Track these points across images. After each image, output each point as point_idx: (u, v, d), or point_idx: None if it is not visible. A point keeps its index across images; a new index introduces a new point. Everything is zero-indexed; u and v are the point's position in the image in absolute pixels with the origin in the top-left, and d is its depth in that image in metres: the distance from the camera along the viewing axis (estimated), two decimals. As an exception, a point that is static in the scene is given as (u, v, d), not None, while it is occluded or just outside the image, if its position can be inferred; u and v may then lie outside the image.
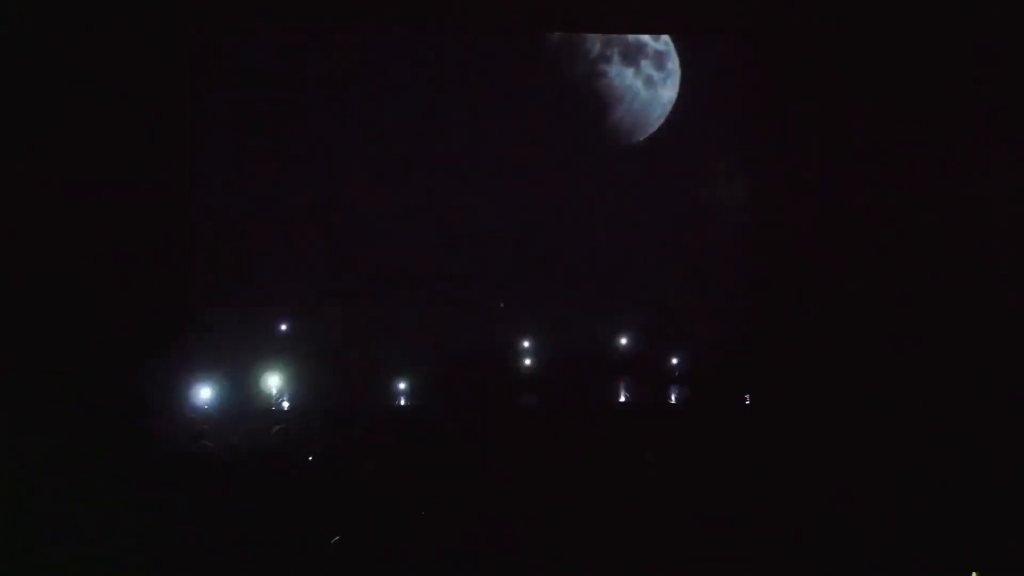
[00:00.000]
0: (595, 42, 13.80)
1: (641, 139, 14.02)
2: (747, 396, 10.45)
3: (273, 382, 11.77)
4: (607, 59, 13.86)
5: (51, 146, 11.02)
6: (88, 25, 11.05)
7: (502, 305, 13.35)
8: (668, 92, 13.91)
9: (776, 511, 5.61)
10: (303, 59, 13.00)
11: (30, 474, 5.78)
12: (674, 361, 12.96)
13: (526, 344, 12.80)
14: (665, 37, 13.85)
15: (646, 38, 13.87)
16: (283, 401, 11.50)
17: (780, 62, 12.61)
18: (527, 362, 12.64)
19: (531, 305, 13.12)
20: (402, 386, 11.97)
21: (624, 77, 13.87)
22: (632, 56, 13.91)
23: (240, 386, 11.67)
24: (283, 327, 12.95)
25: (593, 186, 13.91)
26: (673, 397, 11.96)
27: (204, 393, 11.40)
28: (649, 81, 13.90)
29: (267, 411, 11.04)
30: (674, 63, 13.88)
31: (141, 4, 11.49)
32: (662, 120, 13.96)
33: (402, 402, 11.76)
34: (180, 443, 7.12)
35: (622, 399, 11.87)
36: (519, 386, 12.33)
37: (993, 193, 11.25)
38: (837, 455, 6.95)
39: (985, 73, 11.14)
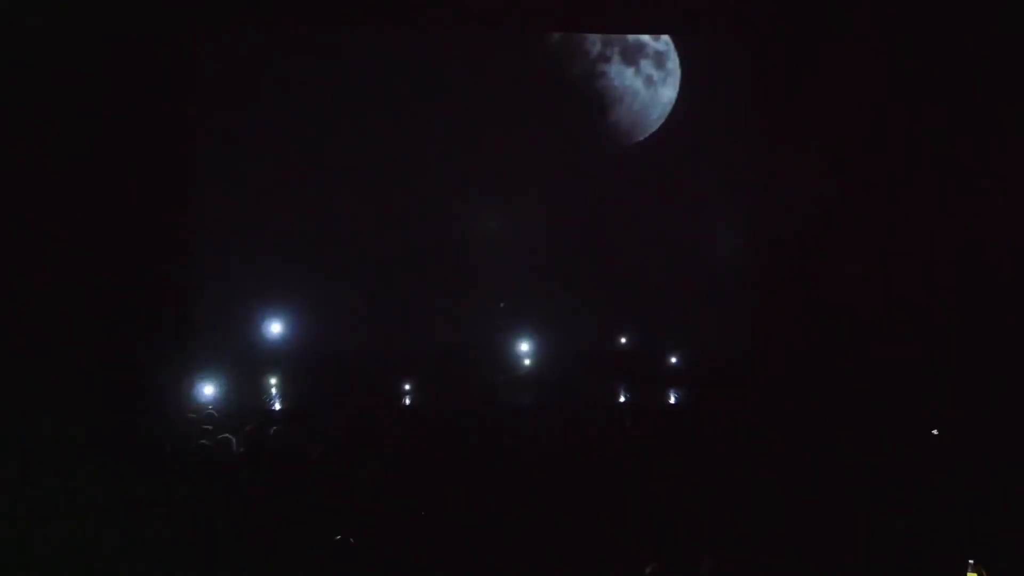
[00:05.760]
0: (595, 42, 13.80)
1: (641, 139, 14.02)
2: (747, 396, 10.45)
3: (272, 381, 11.76)
4: (607, 59, 13.86)
5: (51, 146, 11.03)
6: (87, 25, 11.05)
7: (502, 305, 13.35)
8: (668, 92, 13.92)
9: (775, 511, 5.62)
10: (298, 59, 13.01)
11: (28, 474, 5.78)
12: (673, 361, 12.96)
13: (525, 344, 12.80)
14: (665, 37, 13.86)
15: (646, 38, 13.87)
16: (275, 402, 11.47)
17: (781, 62, 12.65)
18: (526, 362, 12.64)
19: (531, 305, 13.12)
20: (406, 386, 11.97)
21: (624, 77, 13.88)
22: (632, 56, 13.91)
23: (240, 386, 11.65)
24: (282, 326, 12.93)
25: (592, 186, 13.91)
26: (673, 398, 11.96)
27: (205, 392, 11.39)
28: (649, 81, 13.90)
29: (264, 411, 11.01)
30: (674, 63, 13.88)
31: (141, 4, 11.52)
32: (662, 120, 13.96)
33: (406, 401, 11.75)
34: (179, 443, 7.11)
35: (621, 399, 11.86)
36: (518, 386, 12.33)
37: (994, 193, 11.25)
38: (837, 455, 6.96)
39: (985, 73, 11.14)
